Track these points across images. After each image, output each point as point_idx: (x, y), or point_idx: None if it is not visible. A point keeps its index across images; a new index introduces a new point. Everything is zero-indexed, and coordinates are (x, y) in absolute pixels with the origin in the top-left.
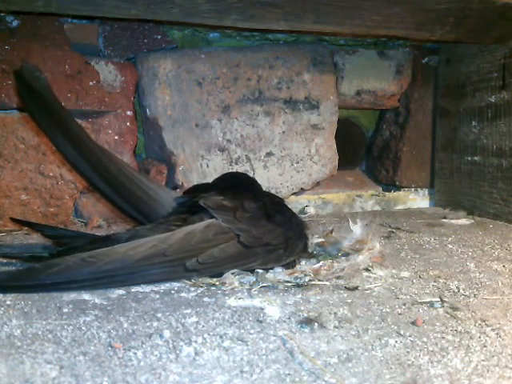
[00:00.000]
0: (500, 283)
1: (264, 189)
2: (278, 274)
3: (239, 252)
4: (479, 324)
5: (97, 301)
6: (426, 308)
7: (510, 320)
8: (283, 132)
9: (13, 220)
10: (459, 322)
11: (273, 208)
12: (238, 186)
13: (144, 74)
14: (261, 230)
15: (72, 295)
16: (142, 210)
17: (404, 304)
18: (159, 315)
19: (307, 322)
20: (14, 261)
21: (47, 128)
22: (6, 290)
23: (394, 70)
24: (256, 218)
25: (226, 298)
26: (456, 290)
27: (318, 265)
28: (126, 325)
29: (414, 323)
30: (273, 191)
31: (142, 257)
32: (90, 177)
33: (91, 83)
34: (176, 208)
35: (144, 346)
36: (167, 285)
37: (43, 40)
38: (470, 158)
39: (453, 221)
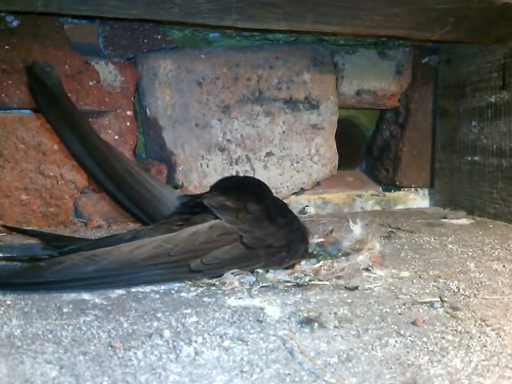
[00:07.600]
0: (500, 283)
1: None
2: (278, 273)
3: (243, 254)
4: (479, 324)
5: (97, 301)
6: (426, 308)
7: (510, 320)
8: (283, 132)
9: (5, 227)
10: (459, 322)
11: (275, 210)
12: (241, 188)
13: (144, 74)
14: (263, 231)
15: (72, 295)
16: (145, 208)
17: (404, 304)
18: (159, 315)
19: (307, 321)
20: (14, 263)
21: (56, 123)
22: (7, 288)
23: (394, 70)
24: (258, 220)
25: (226, 297)
26: (456, 290)
27: (318, 265)
28: (126, 325)
29: (414, 323)
30: (273, 191)
31: (146, 256)
32: (95, 173)
33: (91, 83)
34: (178, 208)
35: (144, 345)
36: (167, 284)
37: (43, 40)
38: (469, 158)
39: (453, 221)
